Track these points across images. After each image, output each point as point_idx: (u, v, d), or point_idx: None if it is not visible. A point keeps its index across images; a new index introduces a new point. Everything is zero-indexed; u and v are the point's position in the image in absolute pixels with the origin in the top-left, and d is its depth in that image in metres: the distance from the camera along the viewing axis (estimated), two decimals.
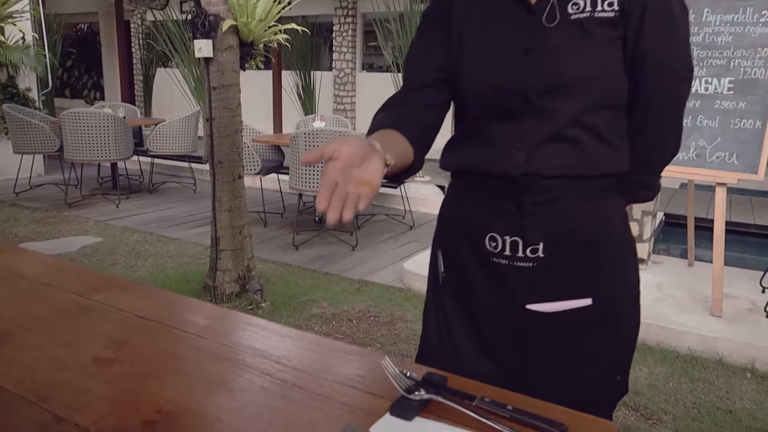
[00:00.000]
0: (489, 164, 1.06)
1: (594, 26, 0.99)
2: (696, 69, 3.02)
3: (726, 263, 3.11)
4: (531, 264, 1.05)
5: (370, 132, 1.01)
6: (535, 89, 1.00)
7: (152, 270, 3.88)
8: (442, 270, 1.17)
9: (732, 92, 2.91)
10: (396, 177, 1.00)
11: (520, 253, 1.05)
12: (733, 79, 2.92)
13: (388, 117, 1.07)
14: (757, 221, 5.08)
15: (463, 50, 1.07)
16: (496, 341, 1.10)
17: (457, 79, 1.08)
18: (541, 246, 1.04)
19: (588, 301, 1.06)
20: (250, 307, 3.26)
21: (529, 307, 1.06)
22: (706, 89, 2.98)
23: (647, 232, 3.71)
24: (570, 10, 1.00)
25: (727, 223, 4.56)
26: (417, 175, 3.64)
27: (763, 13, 2.83)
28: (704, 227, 4.16)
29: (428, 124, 1.10)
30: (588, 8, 1.00)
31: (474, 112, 1.09)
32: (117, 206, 5.66)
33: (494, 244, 1.07)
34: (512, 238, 1.05)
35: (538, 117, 1.01)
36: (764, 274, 3.40)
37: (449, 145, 1.15)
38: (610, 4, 0.99)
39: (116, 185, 6.21)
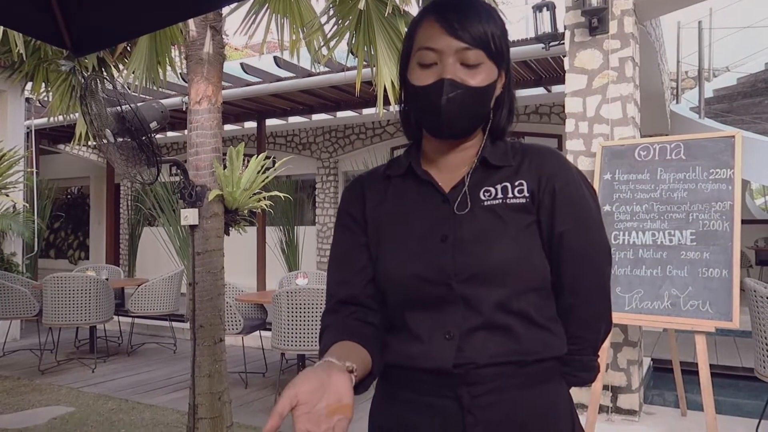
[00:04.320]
0: (418, 358, 1.00)
1: (507, 212, 1.00)
2: (658, 222, 3.19)
3: (720, 411, 3.04)
4: None
5: (322, 354, 0.95)
6: (457, 277, 0.98)
7: None
8: None
9: (695, 243, 3.05)
10: (360, 384, 0.93)
11: None
12: (694, 231, 3.08)
13: (331, 334, 1.02)
14: (744, 364, 5.04)
15: (381, 243, 1.06)
16: None
17: (378, 271, 1.06)
18: None
19: None
20: None
21: None
22: (671, 241, 3.12)
23: (635, 382, 3.64)
24: (483, 197, 1.02)
25: (715, 366, 4.54)
26: None
27: (711, 171, 3.07)
28: (693, 371, 4.10)
29: (369, 331, 1.04)
30: (500, 195, 1.02)
31: (397, 302, 1.04)
32: (93, 371, 5.47)
33: None
34: None
35: (464, 305, 0.98)
36: (759, 423, 3.32)
37: None
38: (521, 191, 1.01)
39: (94, 348, 6.05)
